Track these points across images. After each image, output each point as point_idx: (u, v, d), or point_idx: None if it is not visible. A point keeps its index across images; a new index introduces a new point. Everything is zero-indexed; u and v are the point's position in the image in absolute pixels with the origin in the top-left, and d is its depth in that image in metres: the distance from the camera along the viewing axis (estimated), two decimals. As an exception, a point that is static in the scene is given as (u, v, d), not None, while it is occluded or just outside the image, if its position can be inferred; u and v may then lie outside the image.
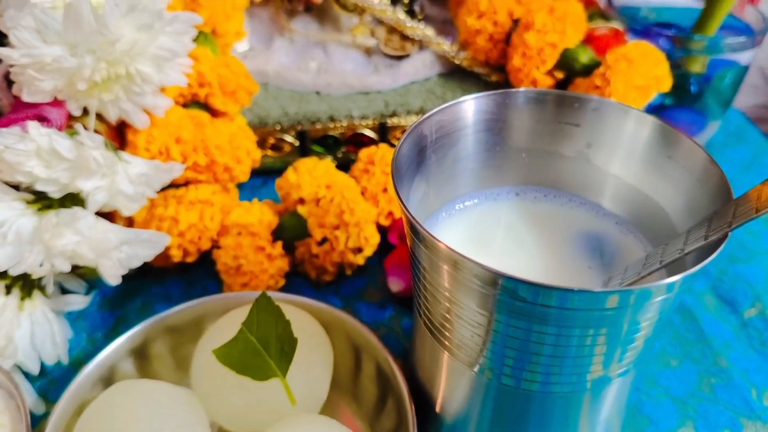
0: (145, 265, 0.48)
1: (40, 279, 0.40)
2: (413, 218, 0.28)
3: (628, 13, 0.57)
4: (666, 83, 0.50)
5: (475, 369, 0.31)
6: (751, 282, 0.49)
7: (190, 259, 0.46)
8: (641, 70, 0.48)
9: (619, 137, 0.36)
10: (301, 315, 0.39)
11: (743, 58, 0.54)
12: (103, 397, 0.35)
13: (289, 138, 0.55)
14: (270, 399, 0.35)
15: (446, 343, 0.32)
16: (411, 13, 0.58)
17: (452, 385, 0.34)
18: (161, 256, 0.47)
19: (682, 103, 0.57)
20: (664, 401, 0.42)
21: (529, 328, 0.27)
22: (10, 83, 0.43)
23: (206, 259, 0.48)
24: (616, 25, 0.55)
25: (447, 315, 0.30)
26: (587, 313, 0.26)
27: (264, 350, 0.35)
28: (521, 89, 0.37)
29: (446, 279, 0.29)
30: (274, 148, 0.56)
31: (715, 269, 0.50)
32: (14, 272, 0.36)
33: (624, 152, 0.36)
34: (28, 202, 0.37)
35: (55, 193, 0.37)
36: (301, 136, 0.55)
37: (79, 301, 0.43)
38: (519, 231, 0.37)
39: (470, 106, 0.36)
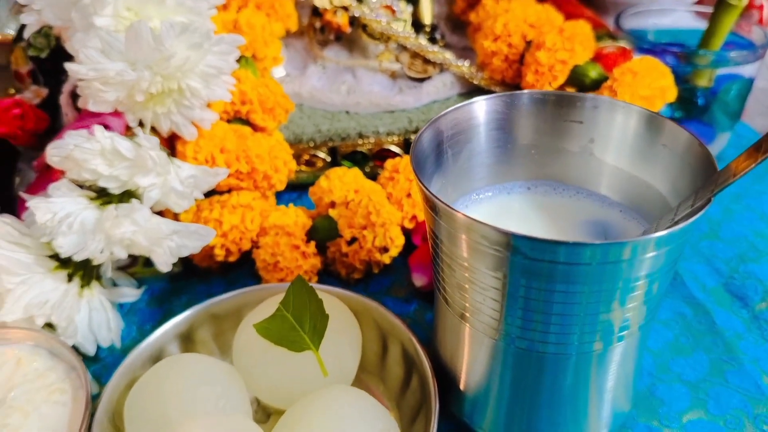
0: (191, 265, 0.53)
1: (98, 270, 0.45)
2: (432, 194, 0.32)
3: (636, 34, 0.61)
4: (671, 94, 0.53)
5: (494, 336, 0.34)
6: (762, 279, 0.51)
7: (231, 259, 0.51)
8: (646, 82, 0.52)
9: (617, 131, 0.39)
10: (332, 300, 0.42)
11: (748, 71, 0.58)
12: (152, 369, 0.39)
13: (321, 154, 0.60)
14: (304, 371, 0.39)
15: (466, 314, 0.35)
16: (432, 40, 0.63)
17: (473, 357, 0.37)
18: (206, 257, 0.51)
19: (690, 116, 0.60)
20: (676, 385, 0.44)
21: (540, 287, 0.30)
22: (75, 100, 0.49)
23: (246, 260, 0.52)
24: (624, 44, 0.59)
25: (465, 285, 0.34)
26: (587, 267, 0.29)
27: (299, 326, 0.39)
28: (526, 91, 0.41)
29: (464, 248, 0.32)
30: (308, 163, 0.61)
31: (726, 268, 0.53)
32: (78, 258, 0.40)
33: (622, 144, 0.39)
34: (91, 199, 0.42)
35: (115, 189, 0.42)
36: (332, 152, 0.60)
37: (131, 294, 0.48)
38: (531, 220, 0.41)
39: (481, 107, 0.40)
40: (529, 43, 0.58)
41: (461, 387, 0.39)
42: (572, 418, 0.36)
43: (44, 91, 0.55)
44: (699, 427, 0.41)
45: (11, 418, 0.36)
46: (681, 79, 0.56)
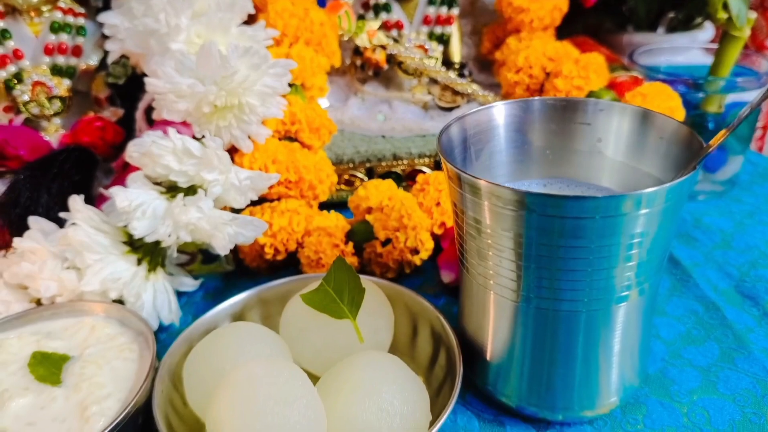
0: (242, 266, 0.59)
1: (163, 258, 0.51)
2: (458, 168, 0.37)
3: (649, 69, 0.67)
4: (679, 114, 0.58)
5: (514, 299, 0.38)
6: (772, 282, 0.54)
7: (279, 258, 0.57)
8: (655, 103, 0.57)
9: (620, 129, 0.44)
10: (368, 283, 0.47)
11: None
12: (208, 335, 0.44)
13: (359, 174, 0.66)
14: (343, 339, 0.43)
15: (489, 282, 0.40)
16: (461, 75, 0.70)
17: (497, 323, 0.41)
18: (256, 256, 0.57)
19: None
20: (688, 369, 0.47)
21: (551, 243, 0.35)
22: (148, 115, 0.57)
23: (291, 262, 0.58)
24: (636, 74, 0.64)
25: (489, 253, 0.38)
26: (592, 221, 0.33)
27: (338, 298, 0.44)
28: (538, 98, 0.46)
29: (485, 214, 0.37)
30: (347, 183, 0.67)
31: (737, 272, 0.56)
32: (149, 239, 0.47)
33: (625, 140, 0.44)
34: (161, 192, 0.49)
35: (183, 183, 0.49)
36: (369, 172, 0.66)
37: (189, 284, 0.54)
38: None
39: (500, 110, 0.46)
40: (548, 75, 0.65)
41: (487, 357, 0.43)
42: (584, 380, 0.40)
43: (120, 112, 0.63)
44: (709, 404, 0.44)
45: (87, 369, 0.42)
46: (692, 106, 0.61)
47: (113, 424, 0.37)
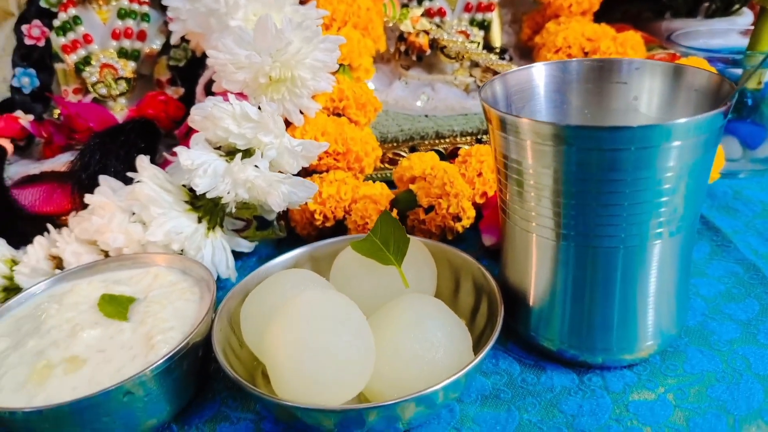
0: (293, 234, 0.62)
1: (221, 219, 0.54)
2: (500, 111, 0.39)
3: (686, 47, 0.68)
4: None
5: (555, 239, 0.40)
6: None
7: (328, 224, 0.59)
8: (692, 75, 0.59)
9: (655, 85, 0.46)
10: (412, 238, 0.50)
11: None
12: (263, 282, 0.47)
13: (403, 153, 0.69)
14: (389, 284, 0.46)
15: (531, 224, 0.41)
16: (502, 59, 0.73)
17: (539, 266, 0.43)
18: (306, 224, 0.60)
19: (742, 116, 0.66)
20: (727, 323, 0.48)
21: (589, 176, 0.37)
22: (207, 89, 0.61)
23: (339, 229, 0.60)
24: (673, 52, 0.66)
25: (531, 194, 0.40)
26: (627, 153, 0.35)
27: (384, 247, 0.46)
28: (575, 59, 0.49)
29: (528, 153, 0.39)
30: (390, 161, 0.70)
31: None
32: (210, 196, 0.50)
33: (660, 97, 0.46)
34: (221, 155, 0.53)
35: (241, 146, 0.52)
36: (412, 151, 0.69)
37: (245, 245, 0.57)
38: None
39: (539, 71, 0.48)
40: (586, 54, 0.67)
41: (529, 302, 0.44)
42: (622, 320, 0.41)
43: (181, 90, 0.68)
44: (750, 352, 0.44)
45: (151, 308, 0.45)
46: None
47: (177, 349, 0.40)
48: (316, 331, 0.37)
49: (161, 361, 0.39)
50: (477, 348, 0.43)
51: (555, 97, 0.49)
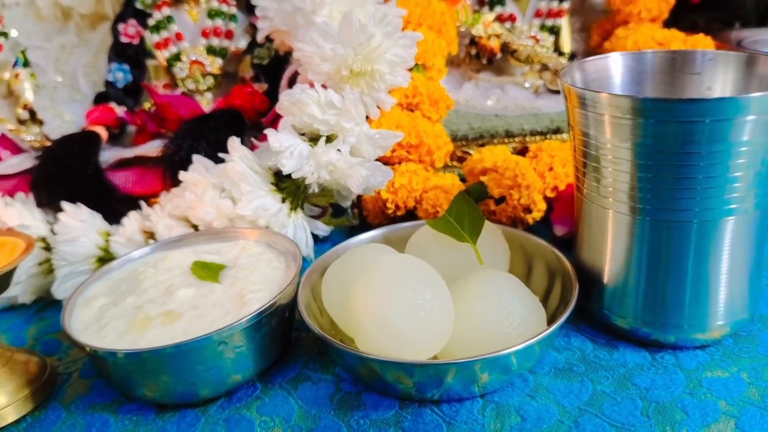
0: (365, 222, 0.64)
1: (302, 201, 0.57)
2: (579, 87, 0.41)
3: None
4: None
5: (631, 213, 0.42)
6: None
7: (399, 213, 0.62)
8: (766, 75, 0.59)
9: (728, 75, 0.47)
10: (486, 222, 0.52)
11: None
12: (343, 255, 0.49)
13: (472, 151, 0.71)
14: (464, 261, 0.48)
15: (608, 199, 0.43)
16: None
17: (615, 241, 0.44)
18: (378, 213, 0.63)
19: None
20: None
21: (665, 149, 0.38)
22: (291, 84, 0.64)
23: (410, 219, 0.63)
24: (746, 56, 0.66)
25: (608, 168, 0.42)
26: (702, 125, 0.37)
27: (459, 226, 0.48)
28: (650, 50, 0.50)
29: (606, 128, 0.41)
30: (459, 160, 0.72)
31: None
32: (295, 176, 0.53)
33: (733, 87, 0.47)
34: (305, 140, 0.56)
35: (324, 131, 0.55)
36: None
37: (322, 228, 0.60)
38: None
39: (616, 60, 0.50)
40: (657, 57, 0.68)
41: (604, 280, 0.46)
42: (694, 296, 0.42)
43: (265, 86, 0.72)
44: (826, 340, 0.44)
45: (240, 273, 0.48)
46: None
47: (268, 304, 0.43)
48: (400, 289, 0.39)
49: (254, 314, 0.42)
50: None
51: (630, 87, 0.50)
